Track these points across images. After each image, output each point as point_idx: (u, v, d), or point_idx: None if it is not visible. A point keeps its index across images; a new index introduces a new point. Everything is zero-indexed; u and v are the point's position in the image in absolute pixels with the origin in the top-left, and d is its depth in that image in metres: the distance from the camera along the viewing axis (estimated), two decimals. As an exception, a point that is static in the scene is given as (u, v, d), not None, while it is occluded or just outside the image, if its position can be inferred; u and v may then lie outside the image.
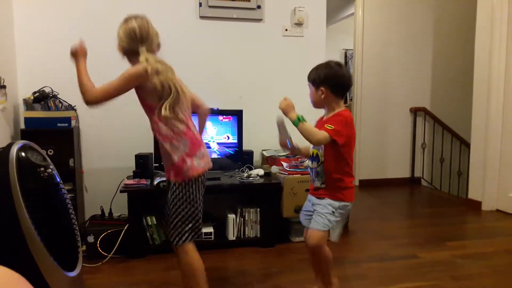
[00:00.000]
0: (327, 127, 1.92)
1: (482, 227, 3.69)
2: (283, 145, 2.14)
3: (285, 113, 1.96)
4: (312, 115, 2.17)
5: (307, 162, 3.24)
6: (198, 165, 1.93)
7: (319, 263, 2.16)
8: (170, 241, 1.97)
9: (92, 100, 1.85)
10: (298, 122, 1.91)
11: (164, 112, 1.85)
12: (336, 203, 2.02)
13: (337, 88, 2.01)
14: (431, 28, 5.39)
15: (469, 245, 3.17)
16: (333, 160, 2.00)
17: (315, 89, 2.04)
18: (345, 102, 8.39)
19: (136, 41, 1.90)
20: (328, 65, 2.02)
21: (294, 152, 2.22)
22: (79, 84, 1.89)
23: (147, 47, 1.91)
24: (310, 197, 2.16)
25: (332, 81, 1.99)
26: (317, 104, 2.08)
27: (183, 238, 1.94)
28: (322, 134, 1.91)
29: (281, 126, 2.10)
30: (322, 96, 2.01)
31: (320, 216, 2.02)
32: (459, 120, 5.21)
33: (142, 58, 1.87)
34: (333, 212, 2.02)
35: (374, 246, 3.13)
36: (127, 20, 1.97)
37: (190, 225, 1.95)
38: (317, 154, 2.07)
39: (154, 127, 1.95)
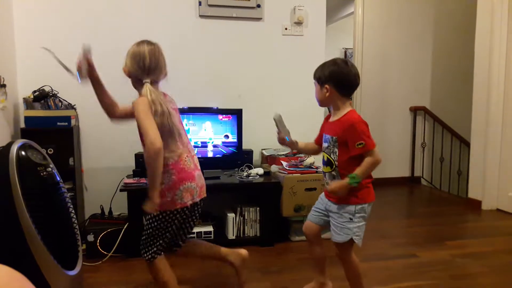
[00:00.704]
0: (360, 146, 1.85)
1: (482, 227, 3.69)
2: (282, 141, 2.13)
3: (341, 190, 1.90)
4: (313, 111, 2.17)
5: (308, 160, 3.26)
6: (180, 199, 1.91)
7: (347, 273, 2.09)
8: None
9: (153, 146, 1.76)
10: (355, 180, 1.86)
11: None
12: (352, 208, 1.94)
13: (343, 87, 1.94)
14: (431, 27, 5.39)
15: (469, 245, 3.17)
16: (348, 164, 1.92)
17: (320, 87, 1.98)
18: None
19: (143, 70, 1.90)
20: (334, 62, 1.95)
21: (293, 148, 2.19)
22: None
23: (152, 78, 1.92)
24: (324, 198, 2.08)
25: (337, 79, 1.92)
26: (322, 102, 2.02)
27: (151, 255, 1.97)
28: (374, 162, 1.89)
29: (279, 123, 2.08)
30: (327, 94, 1.95)
31: (339, 226, 1.95)
32: (459, 119, 5.21)
33: (145, 91, 1.88)
34: (350, 219, 1.94)
35: (374, 245, 3.13)
36: (139, 44, 1.94)
37: (161, 244, 1.98)
38: (328, 158, 2.00)
39: (145, 153, 1.93)
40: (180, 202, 1.92)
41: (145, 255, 1.99)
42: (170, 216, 1.94)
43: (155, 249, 1.97)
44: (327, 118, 2.10)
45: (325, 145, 2.03)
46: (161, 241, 1.98)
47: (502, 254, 2.95)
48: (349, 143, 1.88)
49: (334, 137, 1.95)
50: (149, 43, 1.94)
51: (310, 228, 2.17)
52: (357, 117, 1.92)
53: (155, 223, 1.94)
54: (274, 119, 2.07)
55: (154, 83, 1.94)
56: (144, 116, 1.81)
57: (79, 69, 1.97)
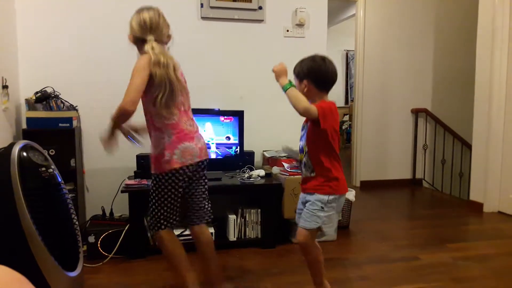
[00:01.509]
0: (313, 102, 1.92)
1: (483, 229, 3.68)
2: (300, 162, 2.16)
3: (277, 76, 2.00)
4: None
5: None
6: (178, 159, 1.95)
7: (308, 263, 2.14)
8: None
9: (126, 106, 1.81)
10: (288, 86, 1.92)
11: (157, 104, 1.90)
12: (325, 197, 1.98)
13: (320, 82, 1.99)
14: (432, 29, 5.39)
15: (470, 247, 3.17)
16: (317, 148, 1.98)
17: (299, 82, 2.03)
18: (346, 102, 8.39)
19: (146, 30, 1.94)
20: (312, 58, 2.02)
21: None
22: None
23: (155, 37, 1.95)
24: (302, 195, 2.13)
25: (315, 75, 1.98)
26: None
27: (157, 226, 2.02)
28: (312, 107, 1.88)
29: (290, 151, 2.16)
30: (305, 89, 2.00)
31: (309, 213, 2.00)
32: (461, 121, 5.20)
33: (147, 46, 1.91)
34: (322, 207, 1.98)
35: (375, 248, 3.13)
36: (139, 10, 2.00)
37: (164, 214, 2.01)
38: (302, 146, 2.07)
39: (147, 117, 2.02)
40: (178, 161, 1.95)
41: (151, 226, 2.04)
42: (170, 176, 1.96)
43: (158, 219, 2.01)
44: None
45: (301, 133, 2.10)
46: (163, 211, 2.00)
47: (504, 257, 2.94)
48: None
49: (306, 124, 2.04)
50: (148, 8, 2.00)
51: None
52: (329, 103, 1.97)
53: (157, 188, 1.98)
54: (286, 151, 2.16)
55: (159, 42, 1.97)
56: (136, 73, 1.85)
57: (131, 138, 2.08)
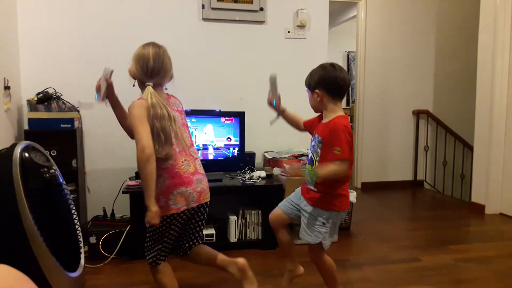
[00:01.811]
0: (336, 152, 1.82)
1: (485, 231, 3.67)
2: (270, 103, 2.15)
3: (293, 172, 2.09)
4: (316, 114, 2.16)
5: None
6: (173, 204, 1.89)
7: (322, 273, 2.16)
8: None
9: (148, 151, 1.79)
10: (315, 175, 1.84)
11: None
12: (327, 213, 1.96)
13: (333, 89, 1.95)
14: (434, 31, 5.39)
15: (472, 249, 3.16)
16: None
17: (311, 93, 2.00)
18: (348, 104, 8.39)
19: (146, 73, 1.90)
20: (322, 67, 1.98)
21: (279, 112, 2.22)
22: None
23: (155, 81, 1.91)
24: (299, 194, 2.10)
25: (326, 82, 1.94)
26: (316, 108, 2.05)
27: (154, 262, 1.99)
28: (341, 167, 1.82)
29: (272, 84, 2.09)
30: (318, 99, 1.96)
31: (311, 228, 1.99)
32: (462, 123, 5.20)
33: (145, 93, 1.87)
34: (323, 223, 1.96)
35: (376, 249, 3.13)
36: (144, 46, 1.93)
37: (159, 250, 1.99)
38: (311, 157, 2.02)
39: (137, 159, 1.93)
40: (174, 208, 1.89)
41: (147, 258, 2.00)
42: (167, 220, 1.91)
43: (155, 253, 1.98)
44: (320, 118, 2.09)
45: (312, 143, 2.05)
46: (160, 246, 1.97)
47: (506, 259, 2.94)
48: (330, 146, 1.88)
49: (319, 138, 1.97)
50: (154, 45, 1.94)
51: (278, 217, 2.20)
52: (344, 123, 1.89)
53: (153, 227, 1.94)
54: (270, 78, 2.08)
55: (158, 86, 1.94)
56: (138, 121, 1.80)
57: (98, 89, 1.99)
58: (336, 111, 1.96)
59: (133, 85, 1.97)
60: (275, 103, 2.14)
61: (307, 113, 3.52)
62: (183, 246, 2.14)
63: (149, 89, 1.87)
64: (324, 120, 2.01)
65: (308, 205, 2.01)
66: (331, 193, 1.95)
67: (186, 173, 1.92)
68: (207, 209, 2.10)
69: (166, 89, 2.02)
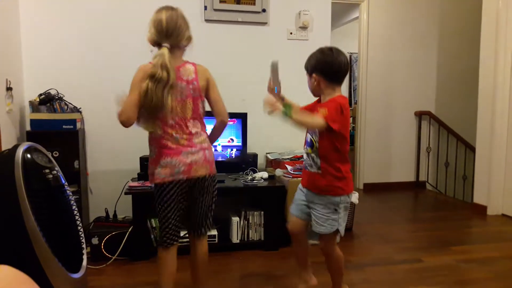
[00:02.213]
0: (322, 111, 1.83)
1: (487, 232, 3.66)
2: (271, 90, 2.10)
3: (271, 109, 1.88)
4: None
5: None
6: (158, 173, 1.90)
7: (329, 265, 2.14)
8: None
9: (118, 117, 1.86)
10: (288, 112, 1.79)
11: (140, 116, 1.90)
12: (337, 199, 1.95)
13: (330, 74, 1.92)
14: (436, 32, 5.38)
15: (474, 250, 3.15)
16: (327, 146, 1.92)
17: (309, 77, 1.99)
18: (350, 105, 8.39)
19: (162, 34, 1.88)
20: (320, 50, 1.96)
21: (278, 100, 2.16)
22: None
23: (172, 42, 1.89)
24: (303, 188, 2.08)
25: (323, 67, 1.93)
26: (313, 92, 2.03)
27: (159, 243, 2.01)
28: (317, 121, 1.82)
29: (273, 71, 2.04)
30: (315, 83, 1.95)
31: (324, 217, 1.96)
32: (464, 124, 5.19)
33: (156, 55, 1.86)
34: (335, 209, 1.96)
35: (378, 250, 3.12)
36: (158, 10, 1.94)
37: (164, 227, 1.98)
38: (311, 139, 2.01)
39: None
40: (158, 177, 1.91)
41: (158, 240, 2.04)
42: (156, 190, 1.94)
43: (161, 233, 1.99)
44: (318, 102, 2.06)
45: None
46: (164, 224, 1.97)
47: (508, 260, 2.93)
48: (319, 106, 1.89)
49: None
50: (167, 8, 1.94)
51: (296, 224, 2.15)
52: (340, 100, 1.88)
53: (155, 198, 1.97)
54: (271, 65, 2.04)
55: (176, 48, 1.91)
56: (131, 86, 1.87)
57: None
58: (334, 94, 1.95)
59: (151, 51, 1.94)
60: (276, 91, 2.09)
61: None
62: (191, 227, 2.09)
63: (163, 49, 1.86)
64: (323, 101, 2.00)
65: (316, 195, 1.99)
66: (335, 175, 1.93)
67: (175, 144, 1.90)
68: (208, 185, 2.00)
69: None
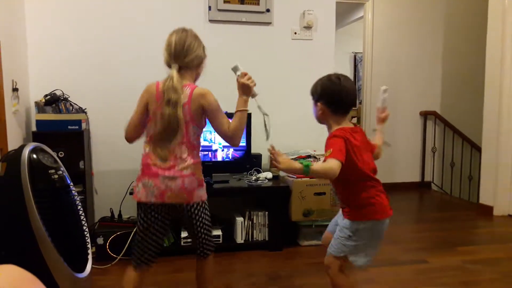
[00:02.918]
0: (327, 154, 1.70)
1: (493, 232, 3.65)
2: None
3: (288, 170, 1.82)
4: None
5: None
6: (137, 192, 1.88)
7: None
8: None
9: (125, 136, 2.00)
10: (306, 169, 1.65)
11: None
12: (354, 225, 1.81)
13: (334, 105, 1.82)
14: (441, 32, 5.36)
15: (480, 251, 3.14)
16: (337, 181, 1.80)
17: (314, 104, 1.90)
18: (354, 105, 8.35)
19: (170, 55, 1.89)
20: (327, 78, 1.86)
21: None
22: None
23: (180, 63, 1.88)
24: (340, 212, 2.00)
25: (328, 96, 1.82)
26: (318, 119, 1.94)
27: (132, 259, 1.98)
28: (333, 165, 1.64)
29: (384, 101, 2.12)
30: (320, 112, 1.86)
31: (337, 239, 1.86)
32: (470, 123, 5.16)
33: (166, 77, 1.86)
34: (349, 236, 1.80)
35: (384, 251, 3.10)
36: (170, 33, 1.95)
37: (135, 246, 1.95)
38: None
39: None
40: (136, 195, 1.89)
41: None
42: (137, 208, 1.94)
43: (136, 252, 1.95)
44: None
45: None
46: (138, 245, 1.93)
47: (514, 261, 2.91)
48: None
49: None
50: (178, 31, 1.93)
51: (326, 238, 2.07)
52: (335, 132, 1.78)
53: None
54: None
55: (185, 69, 1.91)
56: (136, 105, 1.95)
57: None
58: (337, 127, 1.84)
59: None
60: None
61: (312, 114, 3.48)
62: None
63: (171, 70, 1.87)
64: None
65: (342, 218, 1.92)
66: (356, 205, 1.82)
67: (156, 167, 1.85)
68: (193, 212, 1.92)
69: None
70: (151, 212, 1.89)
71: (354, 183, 1.82)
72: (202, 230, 1.98)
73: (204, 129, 1.98)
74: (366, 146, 1.91)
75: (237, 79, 2.05)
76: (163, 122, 1.81)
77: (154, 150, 1.87)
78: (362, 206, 1.82)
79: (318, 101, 1.87)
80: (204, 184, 1.96)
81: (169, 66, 1.90)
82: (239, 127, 1.93)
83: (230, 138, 1.93)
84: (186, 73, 1.92)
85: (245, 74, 2.04)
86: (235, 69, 2.08)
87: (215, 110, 1.89)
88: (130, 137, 1.98)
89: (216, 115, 1.89)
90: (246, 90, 2.00)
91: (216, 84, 3.50)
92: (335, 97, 1.82)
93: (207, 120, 1.94)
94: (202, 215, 1.96)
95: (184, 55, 1.89)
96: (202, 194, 1.94)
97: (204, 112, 1.89)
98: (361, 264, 1.84)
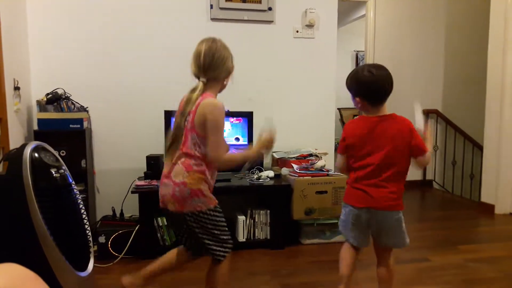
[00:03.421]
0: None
1: (495, 231, 3.64)
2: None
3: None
4: (325, 113, 2.15)
5: (319, 163, 3.26)
6: None
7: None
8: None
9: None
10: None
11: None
12: (343, 203, 2.07)
13: (370, 97, 1.93)
14: (443, 30, 5.35)
15: (482, 249, 3.13)
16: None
17: (352, 98, 1.98)
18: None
19: (199, 68, 1.87)
20: (361, 72, 1.92)
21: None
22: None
23: (209, 76, 1.87)
24: None
25: (363, 91, 1.92)
26: (361, 111, 2.04)
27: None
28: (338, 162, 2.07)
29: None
30: (359, 105, 1.96)
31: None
32: (472, 122, 5.15)
33: (194, 87, 1.88)
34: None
35: (385, 249, 3.10)
36: (199, 43, 1.94)
37: None
38: None
39: None
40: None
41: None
42: None
43: None
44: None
45: None
46: None
47: (516, 259, 2.91)
48: None
49: None
50: (208, 40, 1.94)
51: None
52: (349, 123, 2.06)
53: None
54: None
55: (212, 81, 1.90)
56: None
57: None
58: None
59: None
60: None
61: (318, 112, 3.52)
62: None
63: (198, 84, 1.87)
64: None
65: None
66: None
67: (164, 173, 1.93)
68: (188, 220, 1.88)
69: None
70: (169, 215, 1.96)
71: (350, 168, 2.03)
72: (204, 239, 1.92)
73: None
74: None
75: (263, 133, 2.00)
76: (173, 131, 1.87)
77: (165, 157, 1.92)
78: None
79: (355, 96, 1.94)
80: (204, 194, 1.87)
81: (198, 78, 1.89)
82: (233, 160, 1.94)
83: (214, 160, 1.86)
84: (212, 84, 1.91)
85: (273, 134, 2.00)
86: (268, 122, 2.04)
87: (212, 124, 1.81)
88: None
89: (212, 129, 1.81)
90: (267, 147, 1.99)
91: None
92: (372, 90, 1.91)
93: None
94: (203, 224, 1.89)
95: (214, 68, 1.88)
96: (197, 204, 1.85)
97: (204, 123, 1.81)
98: (348, 238, 2.10)
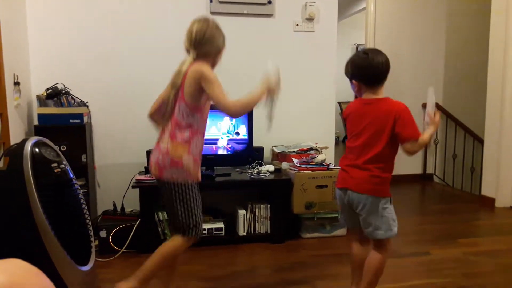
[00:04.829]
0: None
1: (495, 224, 3.64)
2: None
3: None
4: (325, 106, 2.15)
5: (319, 157, 3.26)
6: None
7: None
8: None
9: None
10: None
11: None
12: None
13: (366, 78, 1.97)
14: (444, 23, 5.32)
15: (482, 243, 3.14)
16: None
17: (350, 82, 2.01)
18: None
19: (190, 42, 1.93)
20: (356, 55, 2.01)
21: None
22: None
23: (199, 52, 1.93)
24: None
25: (359, 73, 1.96)
26: (357, 95, 2.06)
27: None
28: None
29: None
30: (356, 88, 1.98)
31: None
32: (472, 115, 5.14)
33: (183, 60, 1.95)
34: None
35: (385, 243, 3.11)
36: (194, 20, 1.99)
37: None
38: None
39: None
40: None
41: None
42: None
43: None
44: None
45: None
46: None
47: (516, 252, 2.92)
48: None
49: None
50: (201, 19, 1.98)
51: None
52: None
53: None
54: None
55: (202, 56, 1.94)
56: None
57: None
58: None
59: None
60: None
61: (318, 106, 3.52)
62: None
63: (187, 58, 1.94)
64: None
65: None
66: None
67: (157, 145, 2.00)
68: (167, 189, 1.94)
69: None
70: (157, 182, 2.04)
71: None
72: (177, 210, 1.95)
73: (199, 113, 1.97)
74: None
75: (267, 76, 2.11)
76: (167, 103, 1.93)
77: (163, 134, 1.99)
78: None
79: (352, 79, 1.97)
80: (184, 166, 1.91)
81: (188, 52, 1.95)
82: (243, 102, 2.01)
83: (225, 110, 1.94)
84: (202, 61, 1.95)
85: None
86: (272, 66, 2.14)
87: (207, 83, 1.88)
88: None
89: (210, 85, 1.89)
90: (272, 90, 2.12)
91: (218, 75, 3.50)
92: (366, 72, 1.95)
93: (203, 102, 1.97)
94: (177, 196, 1.94)
95: (204, 44, 1.94)
96: (175, 175, 1.91)
97: (202, 86, 1.88)
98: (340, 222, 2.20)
